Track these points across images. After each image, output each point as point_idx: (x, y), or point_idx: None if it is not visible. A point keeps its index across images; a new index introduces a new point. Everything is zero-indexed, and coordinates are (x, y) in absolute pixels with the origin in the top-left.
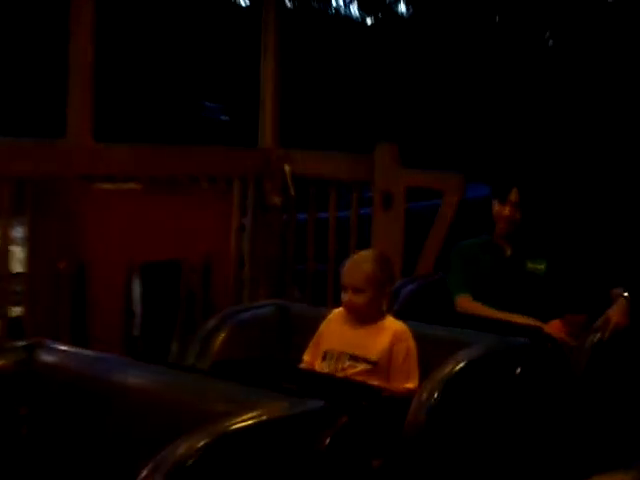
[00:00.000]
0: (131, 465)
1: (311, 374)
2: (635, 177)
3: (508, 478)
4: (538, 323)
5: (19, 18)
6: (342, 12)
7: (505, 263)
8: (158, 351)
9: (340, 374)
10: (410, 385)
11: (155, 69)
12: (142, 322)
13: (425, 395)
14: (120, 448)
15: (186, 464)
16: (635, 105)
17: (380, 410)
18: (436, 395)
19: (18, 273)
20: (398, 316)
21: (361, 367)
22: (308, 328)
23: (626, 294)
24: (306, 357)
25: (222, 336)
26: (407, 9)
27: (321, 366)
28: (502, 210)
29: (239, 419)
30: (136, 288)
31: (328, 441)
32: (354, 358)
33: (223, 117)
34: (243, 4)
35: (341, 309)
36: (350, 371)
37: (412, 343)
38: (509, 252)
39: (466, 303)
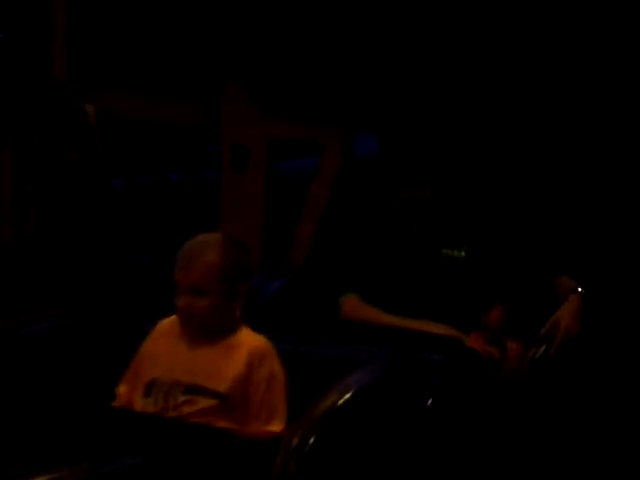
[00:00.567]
0: None
1: (127, 415)
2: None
3: None
4: (457, 334)
5: None
6: None
7: (411, 245)
8: None
9: (172, 414)
10: (275, 427)
11: None
12: None
13: (296, 441)
14: None
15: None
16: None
17: (233, 464)
18: (312, 440)
19: None
20: (258, 328)
21: (204, 403)
22: (123, 348)
23: (580, 289)
24: (121, 390)
25: None
26: None
27: (144, 403)
28: None
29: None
30: None
31: None
32: (193, 390)
33: None
34: None
35: (173, 319)
36: (187, 410)
37: (277, 366)
38: (414, 230)
39: (354, 306)
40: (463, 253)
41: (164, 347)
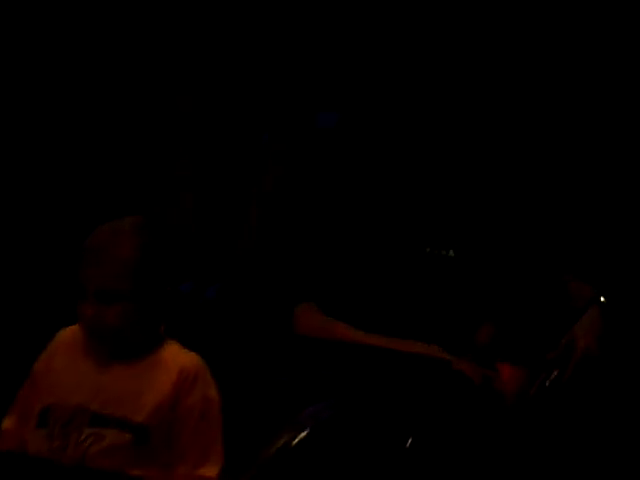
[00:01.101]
0: None
1: (13, 458)
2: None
3: None
4: (442, 354)
5: None
6: None
7: (388, 242)
8: None
9: (73, 454)
10: (208, 471)
11: None
12: None
13: None
14: None
15: None
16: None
17: None
18: None
19: None
20: (188, 343)
21: (115, 439)
22: None
23: (602, 299)
24: (7, 423)
25: None
26: None
27: (36, 439)
28: None
29: None
30: None
31: None
32: (101, 421)
33: None
34: None
35: (75, 328)
36: (94, 448)
37: (213, 391)
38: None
39: (312, 318)
40: (452, 252)
41: (64, 364)
